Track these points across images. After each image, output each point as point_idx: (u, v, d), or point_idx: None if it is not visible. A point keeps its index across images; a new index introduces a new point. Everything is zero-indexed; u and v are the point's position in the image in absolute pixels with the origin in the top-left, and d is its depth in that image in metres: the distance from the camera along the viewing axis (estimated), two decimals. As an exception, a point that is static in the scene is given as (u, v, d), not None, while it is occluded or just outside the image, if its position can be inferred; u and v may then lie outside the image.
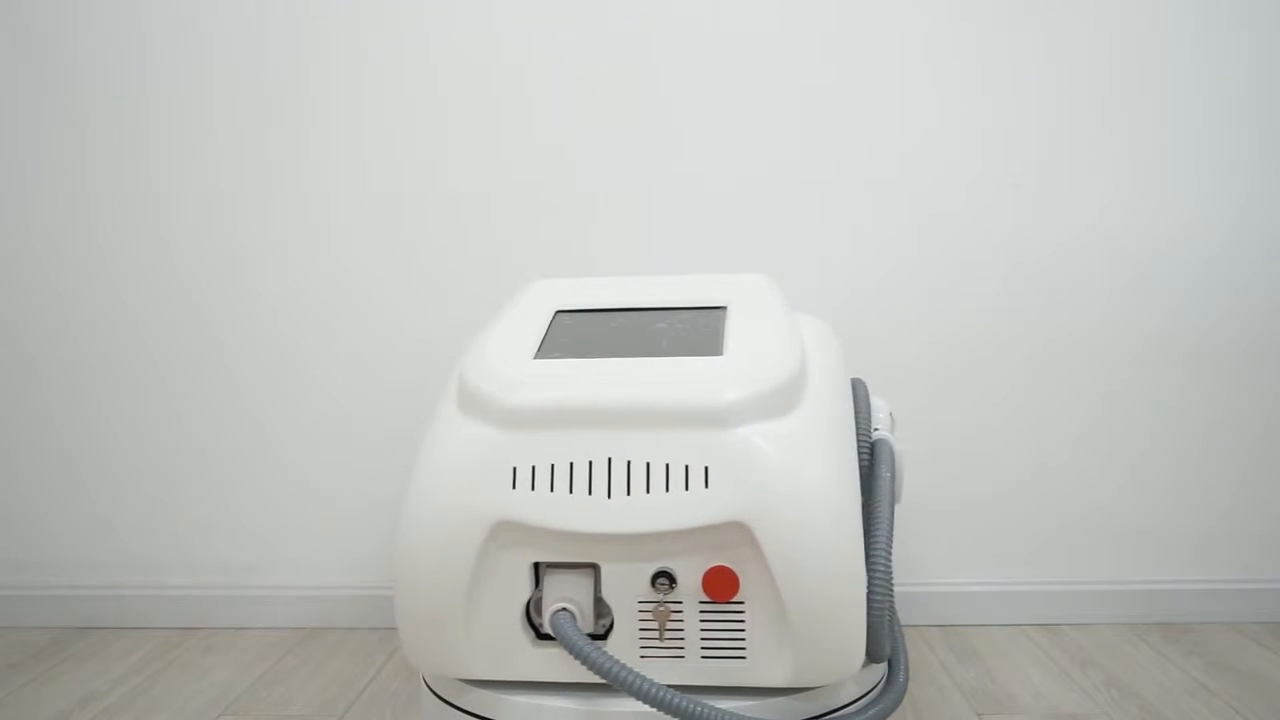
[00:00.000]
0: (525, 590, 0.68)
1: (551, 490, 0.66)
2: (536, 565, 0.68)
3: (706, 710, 0.62)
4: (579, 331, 0.78)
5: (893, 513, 0.72)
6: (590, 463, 0.66)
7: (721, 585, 0.65)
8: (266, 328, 1.16)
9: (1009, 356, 1.11)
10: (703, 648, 0.67)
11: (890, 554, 0.69)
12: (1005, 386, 1.12)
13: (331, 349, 1.15)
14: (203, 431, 1.17)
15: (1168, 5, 1.07)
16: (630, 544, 0.66)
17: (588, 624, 0.68)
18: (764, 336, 0.74)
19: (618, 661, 0.63)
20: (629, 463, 0.65)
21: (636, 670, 0.63)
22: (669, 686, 0.65)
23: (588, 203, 1.12)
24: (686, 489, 0.64)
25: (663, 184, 1.12)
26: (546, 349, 0.75)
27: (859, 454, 0.77)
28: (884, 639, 0.70)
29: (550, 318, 0.81)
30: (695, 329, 0.76)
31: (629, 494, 0.65)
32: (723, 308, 0.79)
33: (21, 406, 1.18)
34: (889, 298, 1.11)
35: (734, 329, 0.75)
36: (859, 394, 0.82)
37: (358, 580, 1.17)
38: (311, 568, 1.18)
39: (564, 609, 0.66)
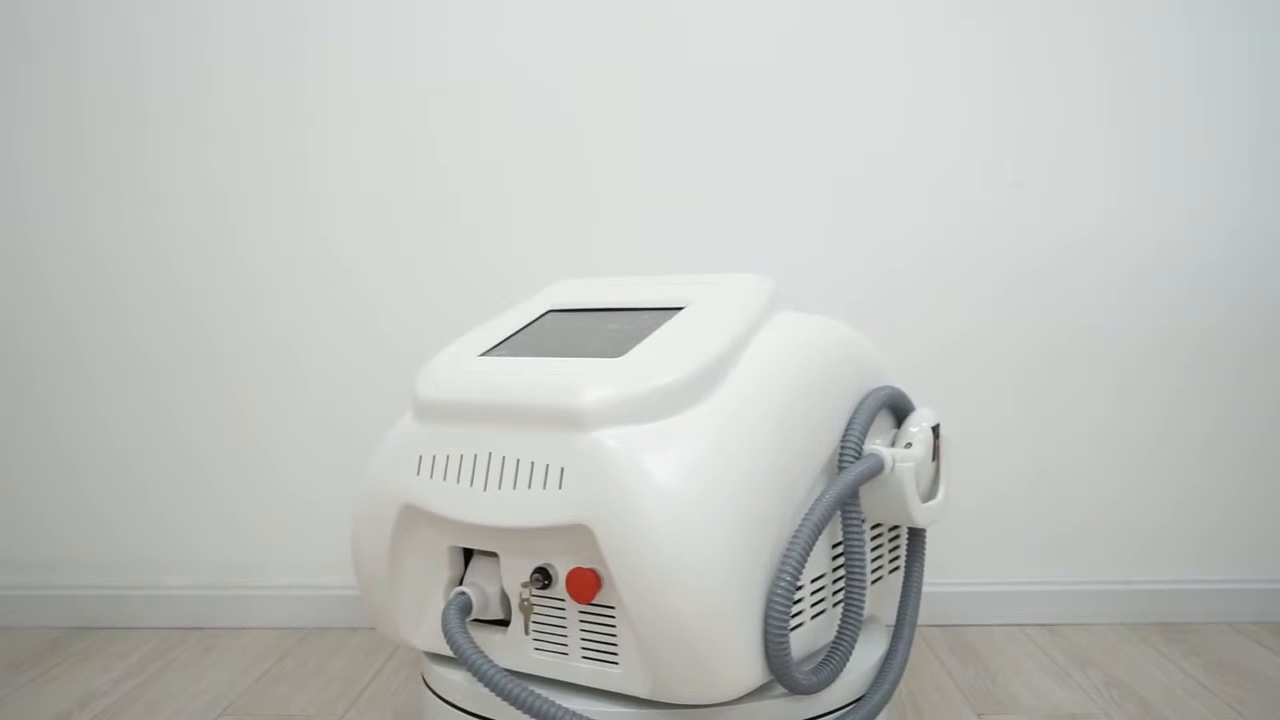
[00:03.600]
0: (444, 570, 0.73)
1: (444, 479, 0.70)
2: (467, 549, 0.72)
3: (540, 702, 0.62)
4: (547, 331, 0.79)
5: (817, 532, 0.65)
6: (475, 455, 0.69)
7: (581, 587, 0.65)
8: (265, 328, 1.15)
9: (1012, 358, 1.11)
10: (582, 649, 0.68)
11: (798, 573, 0.64)
12: (1008, 388, 1.12)
13: (329, 350, 1.15)
14: (202, 431, 1.17)
15: (1169, 6, 1.07)
16: (514, 538, 0.68)
17: (494, 610, 0.71)
18: (681, 339, 0.71)
19: (471, 642, 0.65)
20: (503, 458, 0.68)
21: (484, 654, 0.64)
22: (524, 675, 0.68)
23: (590, 205, 1.12)
24: (544, 488, 0.66)
25: (662, 187, 1.12)
26: (500, 348, 0.77)
27: (841, 465, 0.71)
28: (787, 668, 0.64)
29: (536, 316, 0.83)
30: (634, 330, 0.75)
31: (500, 488, 0.68)
32: (679, 309, 0.77)
33: (21, 407, 1.18)
34: (893, 300, 1.11)
35: (665, 331, 0.73)
36: (866, 403, 0.74)
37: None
38: (312, 568, 1.17)
39: (462, 593, 0.69)
